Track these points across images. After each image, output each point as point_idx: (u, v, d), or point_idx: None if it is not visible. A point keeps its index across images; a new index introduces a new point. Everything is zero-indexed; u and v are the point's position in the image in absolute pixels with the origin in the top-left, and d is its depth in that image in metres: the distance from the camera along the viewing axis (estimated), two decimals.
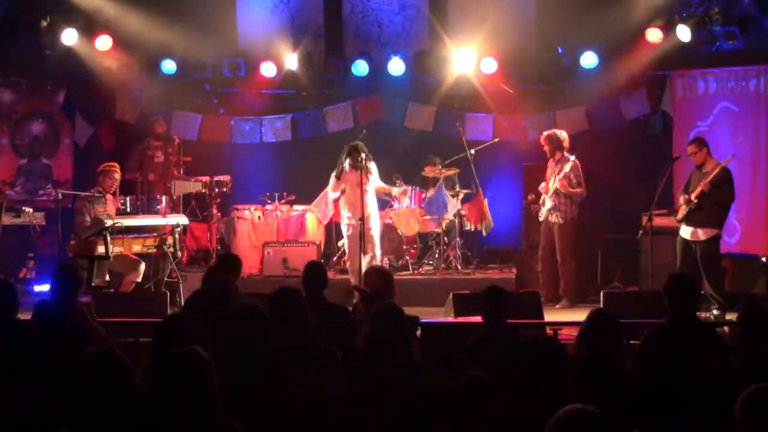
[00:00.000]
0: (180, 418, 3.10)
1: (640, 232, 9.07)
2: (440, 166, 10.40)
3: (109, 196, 9.04)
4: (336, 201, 9.75)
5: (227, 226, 10.64)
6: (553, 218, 9.35)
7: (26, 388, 3.55)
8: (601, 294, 7.86)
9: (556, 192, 9.28)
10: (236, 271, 6.56)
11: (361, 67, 10.80)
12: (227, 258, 6.95)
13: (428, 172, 10.53)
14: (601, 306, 7.54)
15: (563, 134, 9.51)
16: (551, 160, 9.48)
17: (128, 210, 9.69)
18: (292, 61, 10.74)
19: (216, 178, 10.69)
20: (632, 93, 10.59)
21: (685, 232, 8.55)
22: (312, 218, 10.59)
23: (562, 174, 9.22)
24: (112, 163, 9.26)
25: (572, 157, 9.31)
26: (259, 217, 10.49)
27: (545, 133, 9.61)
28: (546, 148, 9.48)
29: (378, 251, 9.52)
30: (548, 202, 9.37)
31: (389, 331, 4.26)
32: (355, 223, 9.24)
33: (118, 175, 9.10)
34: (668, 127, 10.58)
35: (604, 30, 10.13)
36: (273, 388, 3.84)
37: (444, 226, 10.24)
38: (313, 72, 10.99)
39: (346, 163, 9.42)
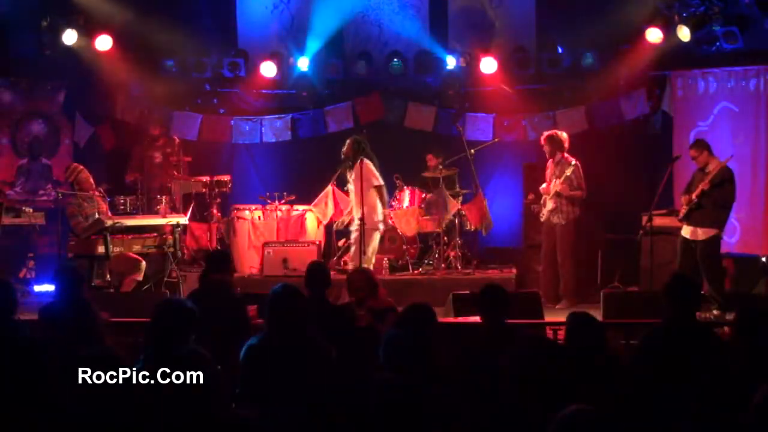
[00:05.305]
0: None
1: (640, 232, 9.07)
2: (439, 165, 10.42)
3: (96, 195, 8.95)
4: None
5: (227, 226, 10.63)
6: (555, 219, 9.34)
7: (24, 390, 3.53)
8: (601, 294, 7.86)
9: (557, 194, 9.26)
10: (226, 268, 6.25)
11: (361, 67, 10.79)
12: (215, 257, 6.59)
13: (430, 160, 10.59)
14: (601, 305, 7.57)
15: (564, 135, 9.48)
16: (551, 160, 9.47)
17: (128, 210, 9.68)
18: (292, 61, 10.75)
19: (216, 178, 10.68)
20: (632, 93, 10.61)
21: (686, 231, 8.54)
22: (312, 218, 10.57)
23: (563, 177, 9.20)
24: (74, 165, 9.09)
25: (573, 160, 9.30)
26: (259, 217, 10.47)
27: (546, 133, 9.57)
28: (546, 149, 9.43)
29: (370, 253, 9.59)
30: (549, 204, 9.35)
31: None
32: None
33: (86, 172, 8.91)
34: (668, 127, 10.57)
35: (604, 30, 10.13)
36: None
37: (444, 226, 10.23)
38: (313, 72, 10.99)
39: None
